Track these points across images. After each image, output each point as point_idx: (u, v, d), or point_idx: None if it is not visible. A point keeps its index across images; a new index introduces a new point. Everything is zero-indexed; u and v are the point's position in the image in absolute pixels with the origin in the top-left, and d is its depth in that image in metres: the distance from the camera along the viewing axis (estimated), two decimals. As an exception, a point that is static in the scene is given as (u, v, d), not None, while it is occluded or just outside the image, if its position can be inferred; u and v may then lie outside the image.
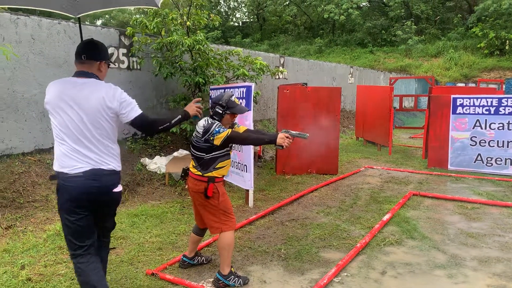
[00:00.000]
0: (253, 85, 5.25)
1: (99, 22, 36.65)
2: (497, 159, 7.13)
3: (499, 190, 6.18)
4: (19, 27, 5.46)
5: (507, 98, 7.03)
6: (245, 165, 5.34)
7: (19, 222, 4.48)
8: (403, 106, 15.03)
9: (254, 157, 7.97)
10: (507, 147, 7.05)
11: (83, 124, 2.39)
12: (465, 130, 7.42)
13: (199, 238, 3.58)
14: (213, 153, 3.14)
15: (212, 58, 7.03)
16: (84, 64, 2.51)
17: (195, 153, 3.18)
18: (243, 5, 42.42)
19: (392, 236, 4.34)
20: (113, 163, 2.49)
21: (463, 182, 6.74)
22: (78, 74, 2.50)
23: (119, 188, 2.53)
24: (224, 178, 6.08)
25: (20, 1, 3.33)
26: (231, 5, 42.21)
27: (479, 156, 7.30)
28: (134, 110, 2.49)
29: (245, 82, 7.32)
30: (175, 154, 6.33)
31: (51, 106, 2.43)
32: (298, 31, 37.84)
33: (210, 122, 3.11)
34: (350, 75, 15.49)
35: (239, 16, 44.16)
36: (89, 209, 2.46)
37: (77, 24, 6.47)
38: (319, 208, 5.37)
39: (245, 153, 5.33)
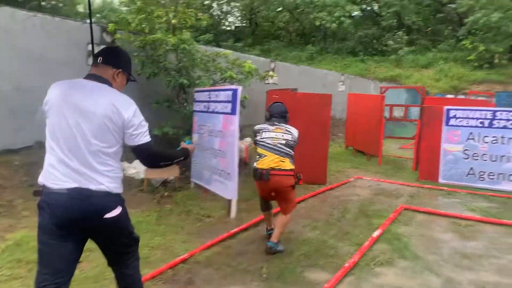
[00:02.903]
0: (240, 88, 4.94)
1: (88, 20, 36.02)
2: (490, 174, 6.91)
3: (492, 206, 5.95)
4: (-11, 17, 5.09)
5: (502, 111, 6.83)
6: (229, 173, 5.01)
7: (-23, 230, 4.09)
8: (393, 116, 14.85)
9: (240, 164, 7.65)
10: (500, 161, 6.83)
11: (80, 133, 2.07)
12: (458, 143, 7.20)
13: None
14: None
15: (199, 59, 6.74)
16: (98, 67, 2.25)
17: (289, 152, 3.98)
18: (236, 10, 42.22)
19: (383, 255, 4.04)
20: (107, 183, 2.10)
21: (456, 196, 6.50)
22: (89, 76, 2.23)
23: (114, 213, 2.11)
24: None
25: None
26: (223, 9, 41.94)
27: (471, 170, 7.07)
28: (145, 134, 2.20)
29: (232, 85, 7.04)
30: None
31: (49, 107, 2.14)
32: (290, 38, 37.78)
33: (296, 130, 4.13)
34: (341, 83, 15.29)
35: (231, 20, 43.92)
36: (75, 235, 2.10)
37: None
38: (305, 221, 5.06)
39: (229, 160, 5.01)
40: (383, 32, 30.87)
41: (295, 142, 4.06)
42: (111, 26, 6.22)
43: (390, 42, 28.58)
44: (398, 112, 18.10)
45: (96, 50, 6.37)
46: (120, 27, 6.40)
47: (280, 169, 3.90)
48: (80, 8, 39.86)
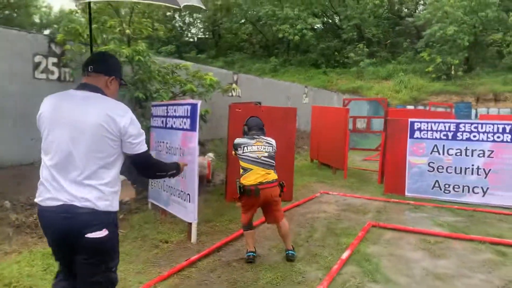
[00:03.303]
0: (199, 103, 4.62)
1: (46, 32, 34.70)
2: (455, 186, 6.89)
3: (459, 220, 5.88)
4: None
5: (465, 123, 6.86)
6: (188, 193, 4.65)
7: None
8: (356, 128, 14.96)
9: (202, 182, 7.29)
10: (465, 174, 6.83)
11: (74, 146, 2.01)
12: (423, 155, 7.16)
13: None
14: None
15: (156, 72, 6.39)
16: (90, 77, 2.20)
17: (272, 163, 4.13)
18: (198, 21, 41.94)
19: (353, 279, 3.80)
20: (95, 200, 2.01)
21: (422, 211, 6.41)
22: (81, 86, 2.18)
23: (97, 234, 2.00)
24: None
25: None
26: (186, 20, 41.55)
27: (436, 183, 7.04)
28: (143, 143, 2.17)
29: (193, 98, 6.71)
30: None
31: (41, 122, 2.11)
32: (254, 50, 37.87)
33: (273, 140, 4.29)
34: (305, 95, 15.26)
35: (194, 31, 43.60)
36: (71, 253, 2.07)
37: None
38: (271, 243, 4.76)
39: (189, 181, 4.65)
40: (344, 45, 31.48)
41: (275, 152, 4.22)
42: (59, 37, 5.76)
43: (351, 54, 29.15)
44: (360, 124, 18.32)
45: (43, 62, 5.94)
46: (71, 38, 5.95)
47: (268, 182, 4.02)
48: (36, 19, 38.30)
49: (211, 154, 7.85)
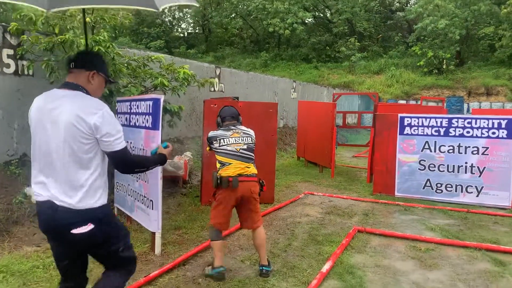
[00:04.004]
0: (162, 97, 4.10)
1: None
2: (447, 185, 6.46)
3: (452, 223, 5.44)
4: None
5: (458, 118, 6.41)
6: (152, 200, 4.15)
7: None
8: (346, 123, 14.55)
9: (178, 183, 6.80)
10: (458, 172, 6.40)
11: (54, 144, 2.07)
12: (413, 153, 6.72)
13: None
14: None
15: (126, 64, 5.86)
16: (72, 74, 2.22)
17: (251, 155, 3.73)
18: (188, 16, 41.28)
19: (333, 297, 3.34)
20: (72, 198, 2.05)
21: (413, 213, 5.96)
22: (63, 85, 2.20)
23: (82, 229, 2.05)
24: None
25: None
26: (176, 15, 40.85)
27: (428, 182, 6.60)
28: (119, 140, 2.13)
29: (165, 93, 6.21)
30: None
31: (30, 121, 2.19)
32: (244, 44, 37.31)
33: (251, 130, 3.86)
34: (293, 90, 14.77)
35: (184, 26, 42.93)
36: (62, 246, 2.18)
37: None
38: (245, 253, 4.29)
39: (152, 185, 4.15)
40: (335, 39, 31.05)
41: (254, 144, 3.83)
42: (13, 25, 5.20)
43: (343, 48, 28.71)
44: (351, 119, 17.91)
45: (-3, 53, 5.39)
46: (27, 28, 5.39)
47: (247, 175, 3.65)
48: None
49: (188, 153, 7.34)
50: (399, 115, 6.86)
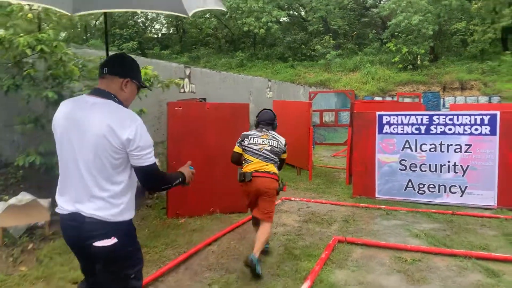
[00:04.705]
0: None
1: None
2: (430, 186, 6.14)
3: (437, 227, 5.10)
4: None
5: (439, 115, 6.09)
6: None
7: None
8: (323, 121, 14.22)
9: (144, 194, 6.25)
10: (440, 171, 6.09)
11: (80, 154, 1.96)
12: (393, 153, 6.38)
13: None
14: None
15: (80, 66, 5.32)
16: (104, 79, 2.08)
17: (274, 158, 4.03)
18: (162, 16, 40.44)
19: (312, 326, 2.91)
20: (99, 210, 1.94)
21: (396, 217, 5.60)
22: (93, 92, 2.07)
23: (105, 243, 1.93)
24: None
25: None
26: (149, 16, 39.93)
27: (410, 183, 6.27)
28: (149, 155, 2.00)
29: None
30: (12, 201, 4.43)
31: (54, 128, 2.07)
32: (219, 44, 36.83)
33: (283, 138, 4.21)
34: (269, 89, 14.35)
35: (158, 27, 42.07)
36: (86, 260, 2.11)
37: None
38: (214, 274, 3.81)
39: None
40: (310, 37, 30.90)
41: (281, 149, 4.14)
42: None
43: (318, 47, 28.56)
44: (329, 117, 17.61)
45: None
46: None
47: (263, 172, 3.94)
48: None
49: (156, 160, 6.80)
50: (377, 113, 6.50)
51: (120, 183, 2.02)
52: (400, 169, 6.34)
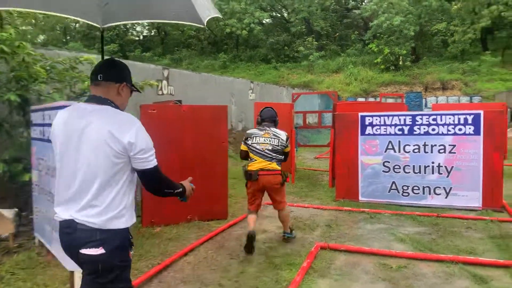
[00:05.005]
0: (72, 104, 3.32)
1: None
2: (414, 188, 6.01)
3: (422, 231, 4.95)
4: None
5: (422, 115, 5.97)
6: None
7: None
8: (307, 123, 14.07)
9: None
10: (424, 173, 5.96)
11: (79, 161, 1.94)
12: (376, 154, 6.23)
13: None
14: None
15: (48, 67, 5.04)
16: (99, 86, 2.05)
17: (276, 156, 4.45)
18: (143, 19, 39.82)
19: None
20: (92, 216, 1.90)
21: (380, 220, 5.44)
22: (90, 99, 2.06)
23: (91, 251, 1.88)
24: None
25: (37, 5, 2.87)
26: (130, 18, 39.24)
27: (393, 185, 6.13)
28: (152, 157, 2.00)
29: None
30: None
31: (53, 136, 2.09)
32: (202, 46, 36.49)
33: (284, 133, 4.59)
34: (251, 91, 14.15)
35: (139, 29, 41.49)
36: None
37: None
38: (188, 287, 3.57)
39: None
40: (293, 39, 30.84)
41: (282, 146, 4.48)
42: None
43: (301, 48, 28.51)
44: (312, 119, 17.49)
45: None
46: None
47: (268, 170, 4.38)
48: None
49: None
50: (360, 114, 6.36)
51: (116, 189, 1.98)
52: (383, 171, 6.20)
